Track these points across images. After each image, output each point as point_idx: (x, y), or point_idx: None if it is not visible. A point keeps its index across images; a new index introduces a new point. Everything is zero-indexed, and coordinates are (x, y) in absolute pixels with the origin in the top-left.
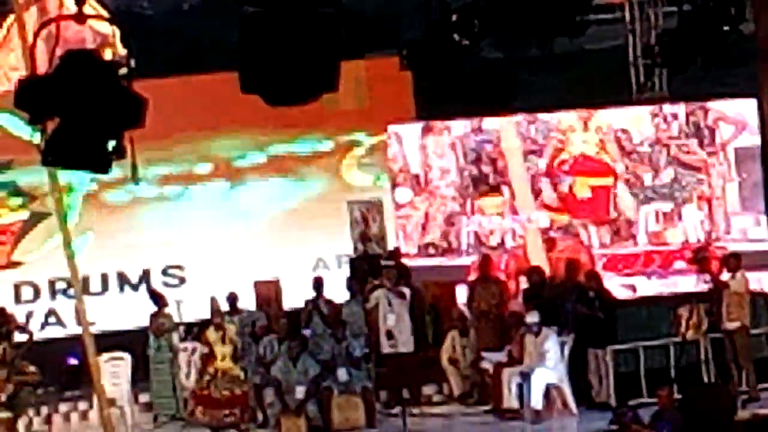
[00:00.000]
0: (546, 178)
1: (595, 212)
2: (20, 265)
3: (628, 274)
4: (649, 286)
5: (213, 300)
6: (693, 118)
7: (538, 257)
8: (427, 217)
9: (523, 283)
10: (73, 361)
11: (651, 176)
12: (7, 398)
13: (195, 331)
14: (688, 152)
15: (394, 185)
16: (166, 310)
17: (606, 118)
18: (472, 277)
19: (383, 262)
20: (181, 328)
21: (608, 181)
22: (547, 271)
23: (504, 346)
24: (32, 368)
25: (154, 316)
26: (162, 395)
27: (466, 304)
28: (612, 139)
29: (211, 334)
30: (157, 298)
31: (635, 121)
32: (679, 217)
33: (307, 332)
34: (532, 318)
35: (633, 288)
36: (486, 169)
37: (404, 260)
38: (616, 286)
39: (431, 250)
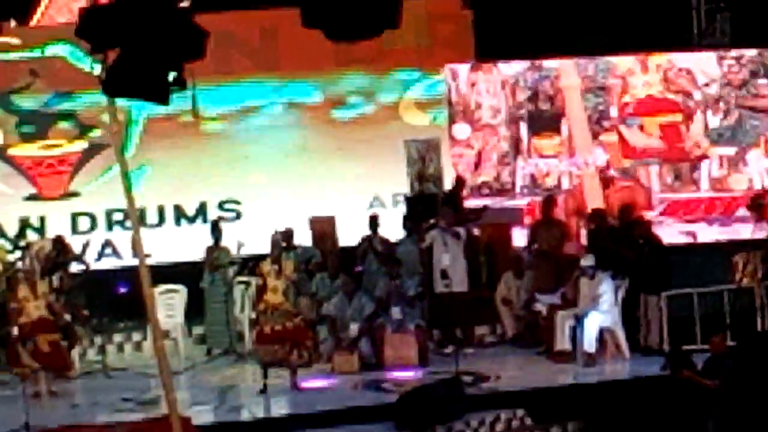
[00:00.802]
0: (606, 121)
1: (660, 153)
2: (78, 196)
3: (689, 221)
4: (709, 233)
5: (274, 234)
6: (759, 60)
7: (595, 200)
8: (480, 156)
9: (577, 226)
10: (123, 290)
11: (716, 119)
12: (62, 327)
13: (250, 265)
14: (754, 96)
15: (452, 123)
16: (223, 244)
17: (668, 59)
18: (528, 219)
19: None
20: (237, 261)
21: (676, 117)
22: None
23: (559, 288)
24: (85, 297)
25: (210, 250)
26: (215, 329)
27: (525, 245)
28: (674, 78)
29: (267, 266)
30: (217, 232)
31: (698, 62)
32: (744, 163)
33: (360, 269)
34: (587, 261)
35: (693, 235)
36: (543, 107)
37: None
38: (676, 233)
39: (484, 191)
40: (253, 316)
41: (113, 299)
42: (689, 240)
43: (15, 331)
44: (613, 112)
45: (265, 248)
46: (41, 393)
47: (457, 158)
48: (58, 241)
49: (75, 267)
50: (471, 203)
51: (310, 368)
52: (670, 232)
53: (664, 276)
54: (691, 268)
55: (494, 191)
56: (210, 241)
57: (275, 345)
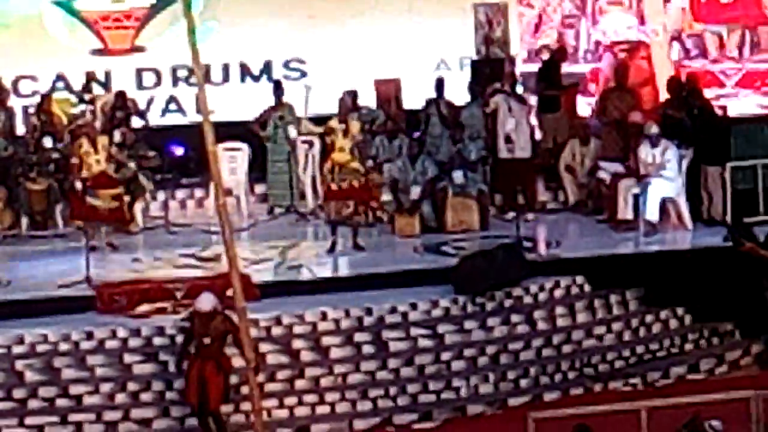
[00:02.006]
0: None
1: (737, 18)
2: (143, 51)
3: (766, 93)
4: None
5: (343, 94)
6: None
7: (663, 67)
8: (541, 17)
9: (646, 94)
10: (179, 151)
11: None
12: (126, 182)
13: (314, 124)
14: None
15: None
16: (286, 102)
17: None
18: (594, 86)
19: None
20: (302, 121)
21: None
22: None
23: (626, 156)
24: (152, 153)
25: (273, 108)
26: (278, 187)
27: (594, 113)
28: None
29: (334, 125)
30: (279, 90)
31: None
32: None
33: (417, 134)
34: (652, 129)
35: None
36: None
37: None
38: (752, 105)
39: (544, 55)
40: (318, 175)
41: (175, 157)
42: (764, 112)
43: (77, 184)
44: None
45: (329, 108)
46: (100, 247)
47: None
48: (120, 96)
49: (137, 122)
50: (528, 68)
51: (372, 228)
52: (746, 104)
53: (725, 147)
54: (756, 139)
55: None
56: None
57: (341, 202)
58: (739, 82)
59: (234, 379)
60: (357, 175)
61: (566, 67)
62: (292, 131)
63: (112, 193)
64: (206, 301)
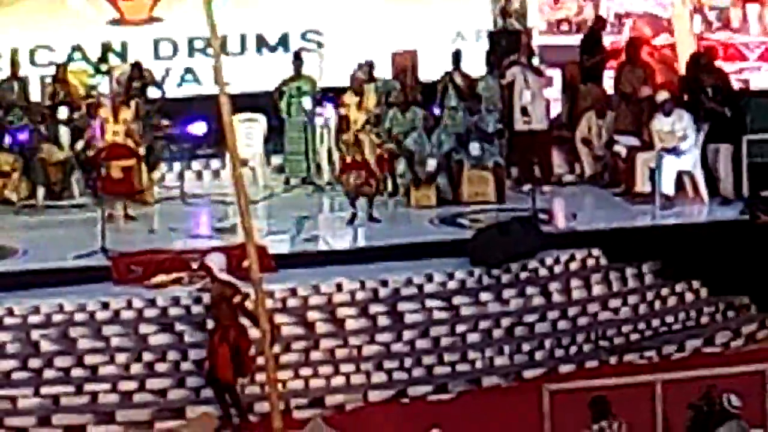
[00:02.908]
0: None
1: None
2: (160, 21)
3: None
4: None
5: (356, 68)
6: None
7: (686, 42)
8: None
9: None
10: (200, 126)
11: None
12: (144, 151)
13: (331, 96)
14: None
15: None
16: (305, 73)
17: None
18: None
19: None
20: (317, 92)
21: None
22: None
23: (639, 130)
24: (166, 122)
25: (291, 79)
26: (294, 158)
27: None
28: None
29: (349, 98)
30: (298, 61)
31: None
32: None
33: (437, 110)
34: (662, 96)
35: None
36: None
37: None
38: None
39: (564, 27)
40: (333, 147)
41: (192, 127)
42: None
43: (91, 154)
44: None
45: (346, 80)
46: (116, 216)
47: None
48: (137, 67)
49: (154, 93)
50: (547, 40)
51: (389, 200)
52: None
53: (738, 124)
54: None
55: (574, 28)
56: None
57: (355, 174)
58: (762, 55)
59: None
60: (372, 147)
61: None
62: (308, 103)
63: (123, 164)
64: (215, 259)
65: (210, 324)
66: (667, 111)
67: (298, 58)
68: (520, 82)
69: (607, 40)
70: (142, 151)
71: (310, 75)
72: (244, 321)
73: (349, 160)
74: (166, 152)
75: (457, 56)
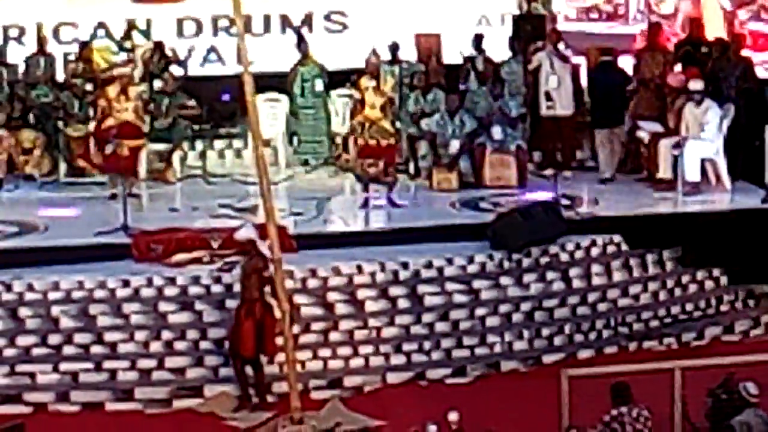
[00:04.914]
0: None
1: None
2: (184, 0)
3: None
4: None
5: (374, 50)
6: None
7: (715, 29)
8: None
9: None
10: (226, 97)
11: None
12: (165, 129)
13: (353, 78)
14: None
15: None
16: (312, 55)
17: None
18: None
19: None
20: (324, 74)
21: None
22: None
23: (663, 116)
24: (192, 102)
25: (299, 63)
26: (314, 140)
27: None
28: None
29: (365, 82)
30: (301, 43)
31: None
32: None
33: (463, 87)
34: (696, 85)
35: None
36: None
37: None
38: None
39: (593, 14)
40: (351, 130)
41: (215, 106)
42: None
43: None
44: None
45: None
46: (119, 195)
47: None
48: (158, 46)
49: (177, 72)
50: (577, 27)
51: (408, 183)
52: None
53: (763, 111)
54: None
55: (605, 16)
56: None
57: (369, 159)
58: None
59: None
60: (386, 134)
61: (616, 28)
62: (320, 85)
63: (132, 144)
64: (245, 232)
65: (229, 303)
66: (698, 101)
67: (301, 40)
68: (546, 68)
69: (636, 28)
70: (162, 129)
71: (316, 58)
72: (270, 299)
73: (361, 143)
74: (189, 130)
75: (478, 40)
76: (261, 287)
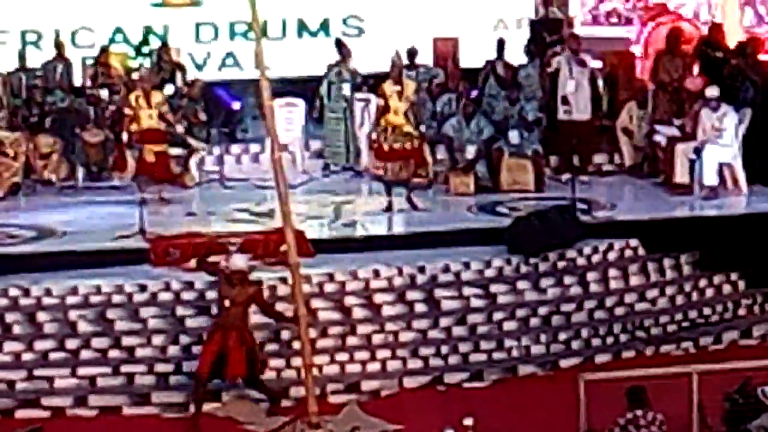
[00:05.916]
0: None
1: None
2: (201, 5)
3: None
4: None
5: (396, 54)
6: None
7: (734, 32)
8: None
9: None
10: (236, 105)
11: None
12: (179, 136)
13: (371, 83)
14: None
15: None
16: (349, 61)
17: None
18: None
19: None
20: (358, 79)
21: None
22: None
23: (679, 119)
24: (202, 114)
25: (333, 65)
26: (334, 144)
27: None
28: None
29: (388, 88)
30: (341, 47)
31: None
32: None
33: (474, 92)
34: (712, 91)
35: None
36: None
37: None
38: None
39: (613, 19)
40: (374, 135)
41: (231, 111)
42: None
43: (124, 136)
44: None
45: (387, 66)
46: (153, 200)
47: None
48: (163, 51)
49: (191, 75)
50: (593, 32)
51: (427, 189)
52: None
53: None
54: None
55: (623, 20)
56: (335, 57)
57: (392, 162)
58: None
59: (286, 335)
60: (410, 137)
61: (628, 31)
62: (347, 88)
63: (156, 149)
64: (240, 260)
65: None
66: (715, 107)
67: (341, 45)
68: (564, 72)
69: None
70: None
71: (349, 64)
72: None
73: (386, 148)
74: (205, 135)
75: (501, 45)
76: (245, 317)
